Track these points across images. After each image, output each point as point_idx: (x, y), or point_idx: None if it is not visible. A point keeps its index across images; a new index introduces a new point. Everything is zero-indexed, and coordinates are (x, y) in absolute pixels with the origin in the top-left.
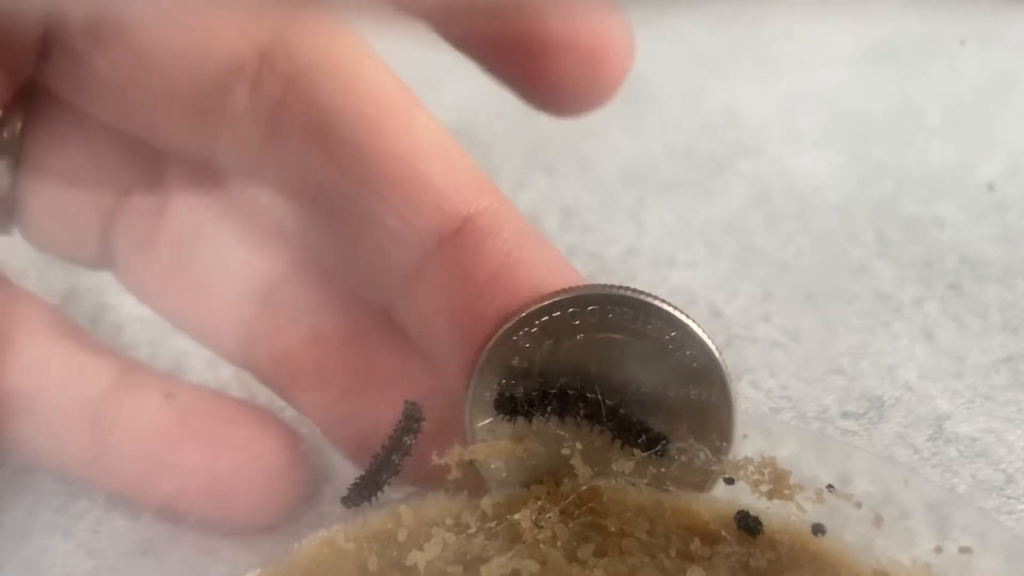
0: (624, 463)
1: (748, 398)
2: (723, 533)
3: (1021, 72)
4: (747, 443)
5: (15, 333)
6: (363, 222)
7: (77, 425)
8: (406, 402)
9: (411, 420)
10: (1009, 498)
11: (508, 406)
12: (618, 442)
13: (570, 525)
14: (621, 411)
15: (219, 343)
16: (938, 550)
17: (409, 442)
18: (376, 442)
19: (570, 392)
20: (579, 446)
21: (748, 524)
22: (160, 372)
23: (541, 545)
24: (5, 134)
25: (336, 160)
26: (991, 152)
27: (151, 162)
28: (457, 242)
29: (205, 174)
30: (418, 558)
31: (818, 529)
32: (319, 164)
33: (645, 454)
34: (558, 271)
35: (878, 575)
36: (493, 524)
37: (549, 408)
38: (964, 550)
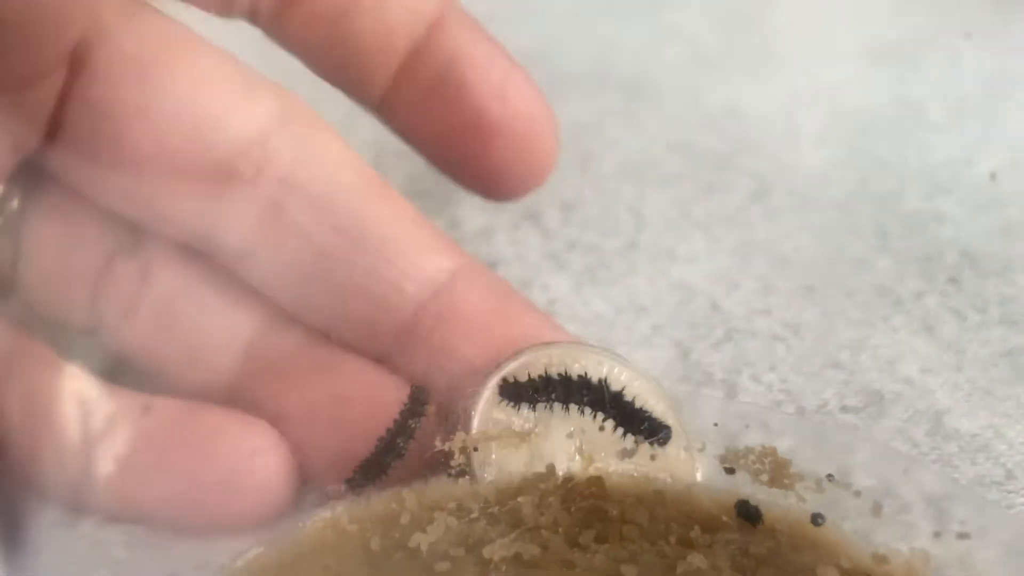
0: (625, 451)
1: (748, 391)
2: (724, 519)
3: (1022, 69)
4: (748, 436)
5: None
6: (359, 284)
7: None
8: (412, 386)
9: (416, 403)
10: (1009, 492)
11: (512, 392)
12: (620, 429)
13: (572, 511)
14: (624, 399)
15: (203, 397)
16: (937, 535)
17: (414, 425)
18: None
19: (573, 380)
20: (582, 432)
21: (748, 513)
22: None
23: (542, 530)
24: (14, 205)
25: (339, 228)
26: (992, 147)
27: (130, 228)
28: (447, 294)
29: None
30: (420, 540)
31: (817, 518)
32: (321, 234)
33: (647, 442)
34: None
35: (877, 559)
36: (495, 509)
37: (553, 395)
38: (962, 536)
